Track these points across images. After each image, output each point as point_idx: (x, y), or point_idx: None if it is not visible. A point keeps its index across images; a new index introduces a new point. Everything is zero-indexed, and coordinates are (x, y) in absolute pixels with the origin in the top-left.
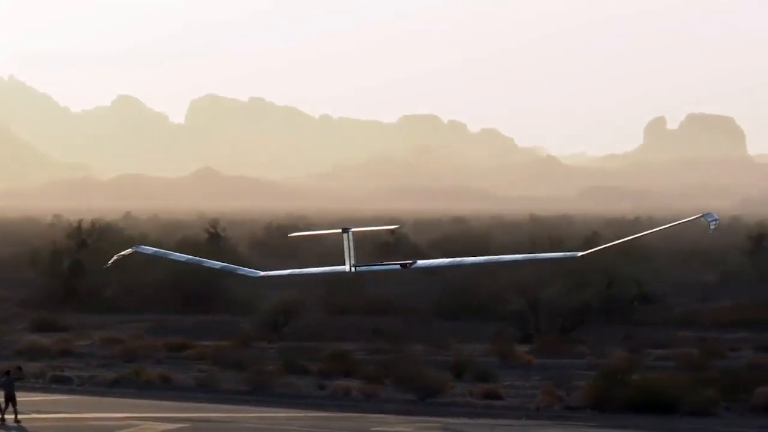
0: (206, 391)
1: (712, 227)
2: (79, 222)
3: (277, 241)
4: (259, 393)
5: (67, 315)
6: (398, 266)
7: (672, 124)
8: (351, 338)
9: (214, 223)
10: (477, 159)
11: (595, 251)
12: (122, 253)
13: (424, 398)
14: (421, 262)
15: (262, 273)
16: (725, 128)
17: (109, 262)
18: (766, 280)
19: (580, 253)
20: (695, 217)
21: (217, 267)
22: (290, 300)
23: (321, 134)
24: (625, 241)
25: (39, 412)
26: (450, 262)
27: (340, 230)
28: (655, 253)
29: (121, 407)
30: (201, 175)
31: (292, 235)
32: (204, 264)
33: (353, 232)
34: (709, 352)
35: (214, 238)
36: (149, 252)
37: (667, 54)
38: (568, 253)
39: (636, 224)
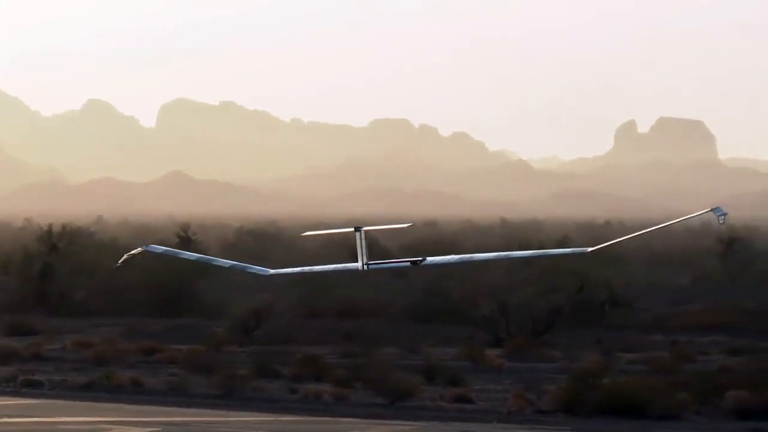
0: (177, 395)
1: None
2: (50, 226)
3: (248, 244)
4: (230, 397)
5: (39, 319)
6: (409, 263)
7: (642, 128)
8: (322, 341)
9: (185, 226)
10: (448, 163)
11: (603, 247)
12: (132, 252)
13: (394, 402)
14: (430, 259)
15: (272, 271)
16: (696, 132)
17: (119, 261)
18: (738, 283)
19: (589, 249)
20: (705, 211)
21: (227, 265)
22: (261, 303)
23: (292, 138)
24: (633, 237)
25: (10, 416)
26: (460, 258)
27: (352, 229)
28: (626, 256)
29: (93, 411)
30: (172, 179)
31: (303, 234)
32: (214, 262)
33: (365, 231)
34: (680, 356)
35: (184, 242)
36: (159, 251)
37: (637, 57)
38: (577, 249)
39: (606, 228)
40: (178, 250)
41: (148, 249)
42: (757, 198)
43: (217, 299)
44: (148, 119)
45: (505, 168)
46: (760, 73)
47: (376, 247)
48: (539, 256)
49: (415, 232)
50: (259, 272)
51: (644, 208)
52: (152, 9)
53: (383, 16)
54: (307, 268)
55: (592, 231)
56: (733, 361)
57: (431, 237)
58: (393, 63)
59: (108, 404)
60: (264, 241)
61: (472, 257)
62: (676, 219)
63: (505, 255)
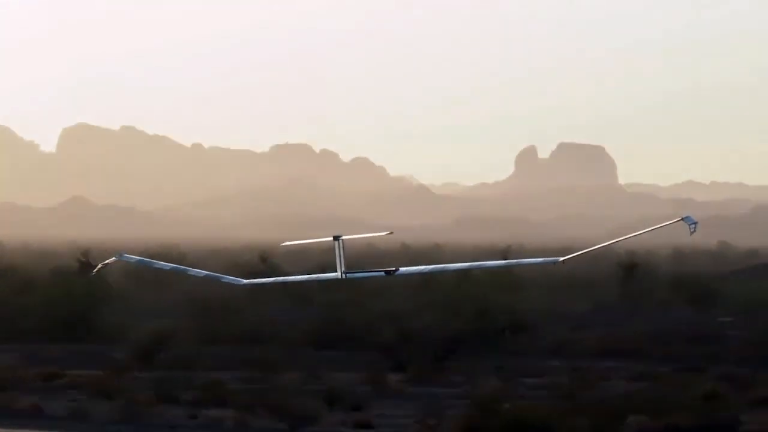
0: (78, 421)
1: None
2: None
3: (149, 270)
4: (131, 422)
5: None
6: (383, 273)
7: (543, 153)
8: (224, 367)
9: (86, 252)
10: (349, 188)
11: (574, 257)
12: (106, 261)
13: (296, 427)
14: (403, 269)
15: (246, 281)
16: (596, 158)
17: (94, 270)
18: (638, 309)
19: (561, 259)
20: (675, 220)
21: (200, 275)
22: (162, 329)
23: (193, 163)
24: (602, 247)
25: None
26: (433, 268)
27: (331, 238)
28: (525, 281)
29: None
30: (72, 204)
31: (283, 245)
32: (188, 273)
33: (344, 239)
34: (580, 382)
35: (85, 267)
36: (133, 260)
37: (536, 82)
38: (549, 259)
39: (508, 253)
40: (152, 260)
41: (122, 258)
42: (656, 223)
43: (119, 324)
44: (48, 144)
45: (406, 193)
46: (660, 98)
47: (278, 272)
48: (511, 266)
49: (314, 258)
50: (234, 283)
51: (546, 232)
52: (53, 34)
53: (281, 40)
54: (281, 279)
55: (493, 256)
56: (633, 386)
57: (331, 262)
58: (293, 88)
59: (8, 430)
60: None
61: (444, 267)
62: (627, 235)
63: (478, 265)
